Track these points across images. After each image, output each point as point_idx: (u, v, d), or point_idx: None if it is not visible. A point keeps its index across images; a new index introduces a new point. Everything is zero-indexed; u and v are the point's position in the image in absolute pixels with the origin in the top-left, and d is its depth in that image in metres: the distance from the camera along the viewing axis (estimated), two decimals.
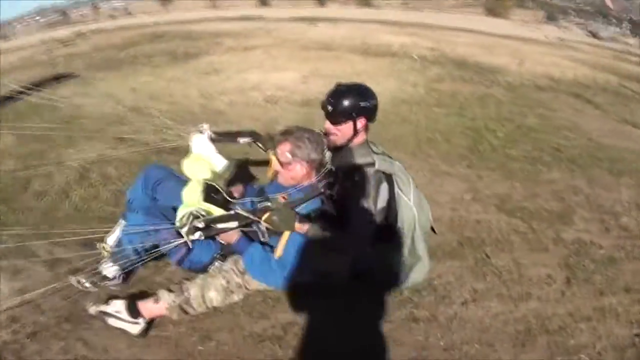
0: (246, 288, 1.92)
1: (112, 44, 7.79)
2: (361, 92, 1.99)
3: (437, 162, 3.83)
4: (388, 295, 2.11)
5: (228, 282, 1.89)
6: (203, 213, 1.79)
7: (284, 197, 1.99)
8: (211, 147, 2.09)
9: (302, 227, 1.85)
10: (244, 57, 6.55)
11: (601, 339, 1.99)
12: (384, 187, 1.94)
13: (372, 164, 1.93)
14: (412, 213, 1.99)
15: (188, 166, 2.03)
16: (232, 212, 1.84)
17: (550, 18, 25.14)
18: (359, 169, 1.91)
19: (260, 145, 2.33)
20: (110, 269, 1.97)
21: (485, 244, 2.62)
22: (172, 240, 1.84)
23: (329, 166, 2.04)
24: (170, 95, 4.80)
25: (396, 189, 1.97)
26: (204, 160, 2.06)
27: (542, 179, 3.56)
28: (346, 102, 1.94)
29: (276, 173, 2.11)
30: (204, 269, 1.96)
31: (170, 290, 1.85)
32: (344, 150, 2.05)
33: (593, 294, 2.27)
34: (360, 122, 2.00)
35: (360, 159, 1.96)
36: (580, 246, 2.66)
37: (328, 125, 2.01)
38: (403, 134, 4.32)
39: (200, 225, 1.75)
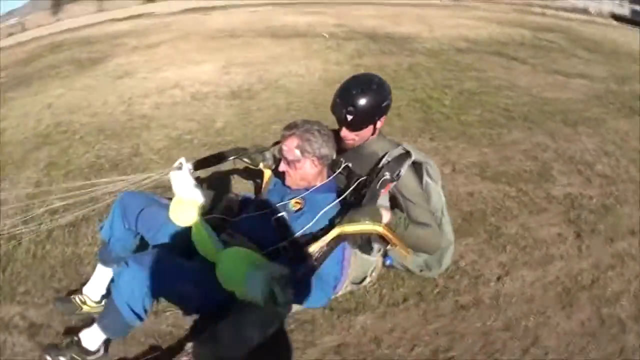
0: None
1: (16, 60, 7.43)
2: (380, 90, 1.93)
3: (399, 138, 3.95)
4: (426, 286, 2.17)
5: (263, 312, 1.77)
6: (278, 271, 1.57)
7: (297, 203, 1.92)
8: (190, 183, 1.88)
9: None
10: (152, 55, 6.40)
11: (631, 282, 2.29)
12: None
13: (409, 155, 1.91)
14: (442, 201, 2.04)
15: (175, 216, 1.84)
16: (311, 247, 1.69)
17: None
18: (398, 162, 1.88)
19: (246, 160, 2.24)
20: (93, 339, 1.69)
21: (487, 215, 2.81)
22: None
23: (344, 163, 2.01)
24: (88, 106, 4.60)
25: (425, 178, 1.99)
26: (186, 202, 1.86)
27: (507, 141, 3.89)
28: (368, 108, 1.88)
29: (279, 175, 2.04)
30: (222, 306, 1.78)
31: (199, 341, 1.69)
32: (359, 147, 2.04)
33: (604, 242, 2.59)
34: (381, 122, 1.98)
35: (393, 151, 1.93)
36: (573, 200, 2.98)
37: (345, 132, 1.95)
38: None
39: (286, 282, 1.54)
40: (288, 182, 1.96)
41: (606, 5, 12.53)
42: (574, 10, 12.01)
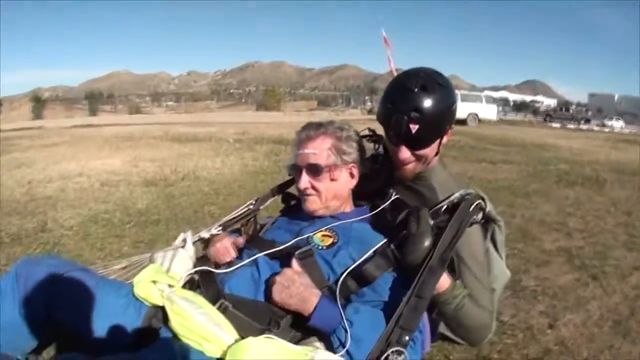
0: None
1: None
2: (447, 86, 1.44)
3: None
4: None
5: None
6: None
7: (327, 236, 1.39)
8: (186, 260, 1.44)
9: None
10: (50, 152, 6.23)
11: None
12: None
13: (484, 202, 1.38)
14: (505, 277, 1.63)
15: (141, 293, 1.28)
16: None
17: (323, 104, 32.13)
18: (464, 214, 1.31)
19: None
20: None
21: None
22: None
23: (394, 195, 1.49)
24: None
25: (488, 243, 1.56)
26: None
27: None
28: (437, 112, 1.38)
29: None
30: None
31: None
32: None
33: (620, 280, 2.82)
34: (448, 135, 1.50)
35: (466, 191, 1.38)
36: (568, 252, 3.23)
37: (405, 153, 1.45)
38: None
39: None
40: (312, 204, 1.47)
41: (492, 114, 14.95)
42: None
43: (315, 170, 1.43)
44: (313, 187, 1.44)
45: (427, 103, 1.36)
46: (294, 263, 1.24)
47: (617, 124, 30.68)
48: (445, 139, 1.49)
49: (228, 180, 4.87)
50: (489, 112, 20.32)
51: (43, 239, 3.00)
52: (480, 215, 1.35)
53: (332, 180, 1.44)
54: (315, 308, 1.14)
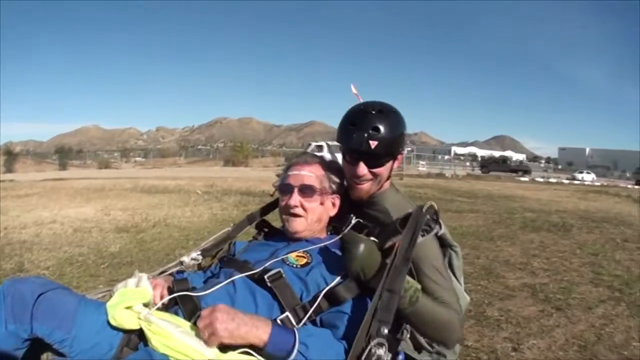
0: None
1: None
2: (399, 114, 1.63)
3: None
4: None
5: None
6: None
7: (301, 256, 1.47)
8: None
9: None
10: (24, 202, 6.48)
11: (629, 331, 2.58)
12: None
13: (438, 223, 1.47)
14: (465, 301, 1.67)
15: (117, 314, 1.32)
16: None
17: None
18: (418, 215, 1.40)
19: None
20: None
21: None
22: None
23: (354, 219, 1.62)
24: None
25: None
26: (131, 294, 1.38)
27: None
28: (393, 132, 1.55)
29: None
30: None
31: None
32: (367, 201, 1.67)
33: (585, 310, 2.88)
34: (399, 160, 1.66)
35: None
36: (532, 287, 3.30)
37: (363, 169, 1.57)
38: None
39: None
40: (298, 225, 1.56)
41: (460, 170, 15.41)
42: (429, 175, 14.37)
43: (308, 191, 1.55)
44: (302, 207, 1.55)
45: (385, 124, 1.54)
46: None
47: (588, 177, 31.65)
48: (396, 164, 1.65)
49: (198, 228, 5.04)
50: None
51: None
52: (437, 226, 1.44)
53: (320, 204, 1.56)
54: (270, 334, 1.17)
